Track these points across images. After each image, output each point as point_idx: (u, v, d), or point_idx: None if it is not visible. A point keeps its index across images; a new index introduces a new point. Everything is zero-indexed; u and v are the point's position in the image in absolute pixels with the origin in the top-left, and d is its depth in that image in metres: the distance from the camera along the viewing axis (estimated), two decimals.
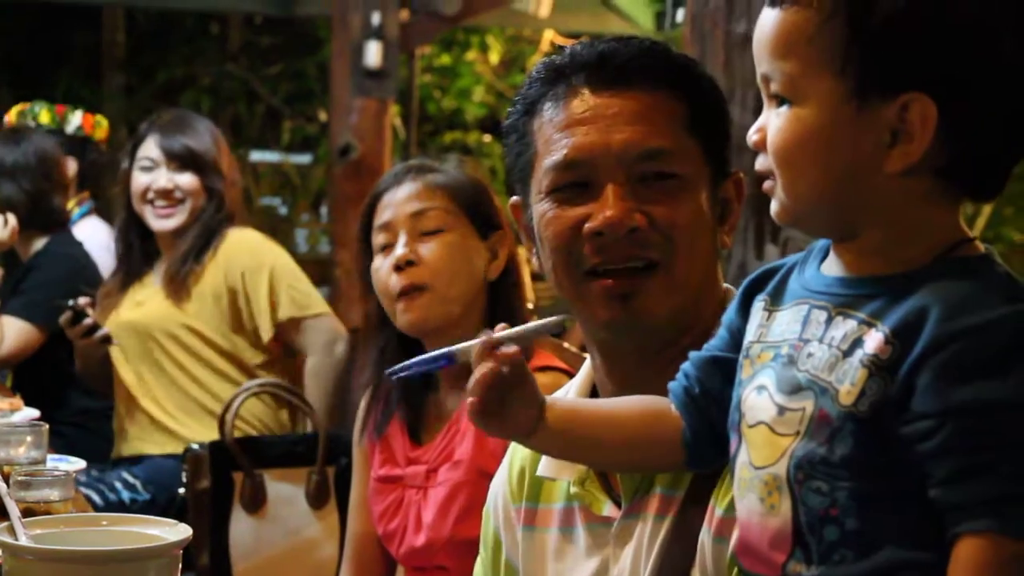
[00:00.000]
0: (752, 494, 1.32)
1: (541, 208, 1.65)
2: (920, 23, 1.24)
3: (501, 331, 1.49)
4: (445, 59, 11.56)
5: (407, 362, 1.56)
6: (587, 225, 1.60)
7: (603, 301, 1.62)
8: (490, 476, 2.29)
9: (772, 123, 1.31)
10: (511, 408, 1.45)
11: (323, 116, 10.27)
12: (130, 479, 3.81)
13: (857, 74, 1.26)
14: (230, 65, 11.36)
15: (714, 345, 1.48)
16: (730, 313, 1.46)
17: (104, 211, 5.04)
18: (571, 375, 2.34)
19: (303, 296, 3.85)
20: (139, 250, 3.98)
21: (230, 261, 3.81)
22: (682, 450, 1.47)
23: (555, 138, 1.63)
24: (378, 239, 2.50)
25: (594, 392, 1.73)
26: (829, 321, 1.29)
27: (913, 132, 1.25)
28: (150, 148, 3.90)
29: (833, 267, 1.33)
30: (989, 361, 1.19)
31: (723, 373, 1.43)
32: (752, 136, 1.34)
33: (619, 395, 1.64)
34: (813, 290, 1.32)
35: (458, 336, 2.42)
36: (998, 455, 1.17)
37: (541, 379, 2.31)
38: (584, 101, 1.63)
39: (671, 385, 1.49)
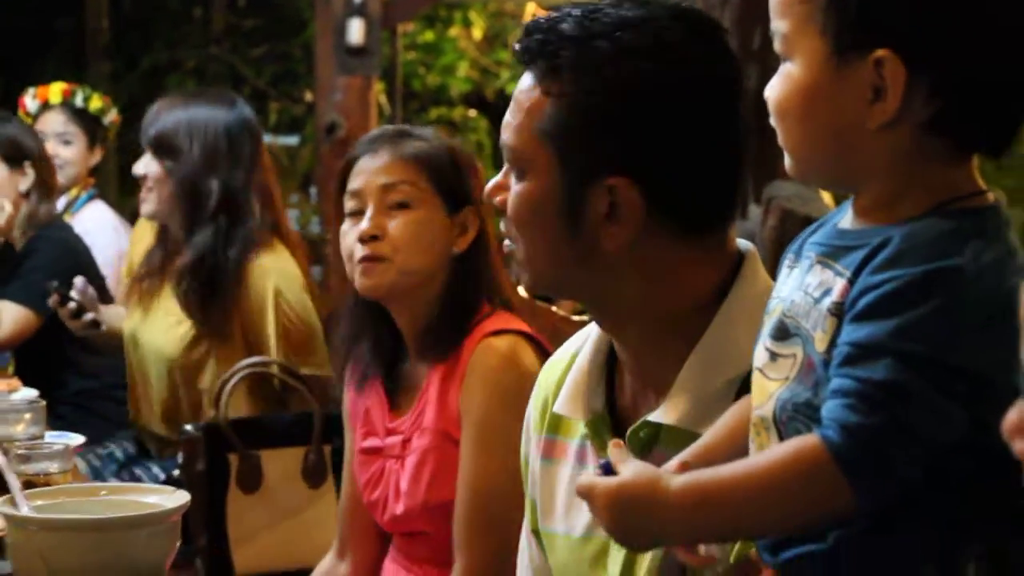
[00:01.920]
0: (751, 437, 1.37)
1: None
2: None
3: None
4: (428, 35, 11.51)
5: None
6: None
7: None
8: (455, 440, 2.31)
9: (774, 80, 1.36)
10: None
11: (309, 96, 10.23)
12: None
13: (835, 32, 1.29)
14: (214, 48, 11.30)
15: None
16: None
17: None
18: (529, 336, 2.37)
19: None
20: None
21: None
22: None
23: None
24: (348, 204, 2.52)
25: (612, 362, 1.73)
26: (810, 269, 1.33)
27: (886, 88, 1.28)
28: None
29: (845, 220, 1.36)
30: (884, 306, 1.23)
31: None
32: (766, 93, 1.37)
33: (634, 356, 1.68)
34: (818, 243, 1.35)
35: (417, 303, 2.48)
36: (854, 385, 1.22)
37: (497, 345, 2.36)
38: None
39: None
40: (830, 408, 1.23)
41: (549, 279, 1.66)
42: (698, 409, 1.50)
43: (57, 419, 3.34)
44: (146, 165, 3.74)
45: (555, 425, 1.79)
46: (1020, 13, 1.28)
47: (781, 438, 1.31)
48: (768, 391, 1.34)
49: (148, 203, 3.77)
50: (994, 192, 1.33)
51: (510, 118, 1.62)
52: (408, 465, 2.47)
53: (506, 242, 1.66)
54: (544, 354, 2.33)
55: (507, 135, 1.62)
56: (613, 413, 1.69)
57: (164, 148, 3.70)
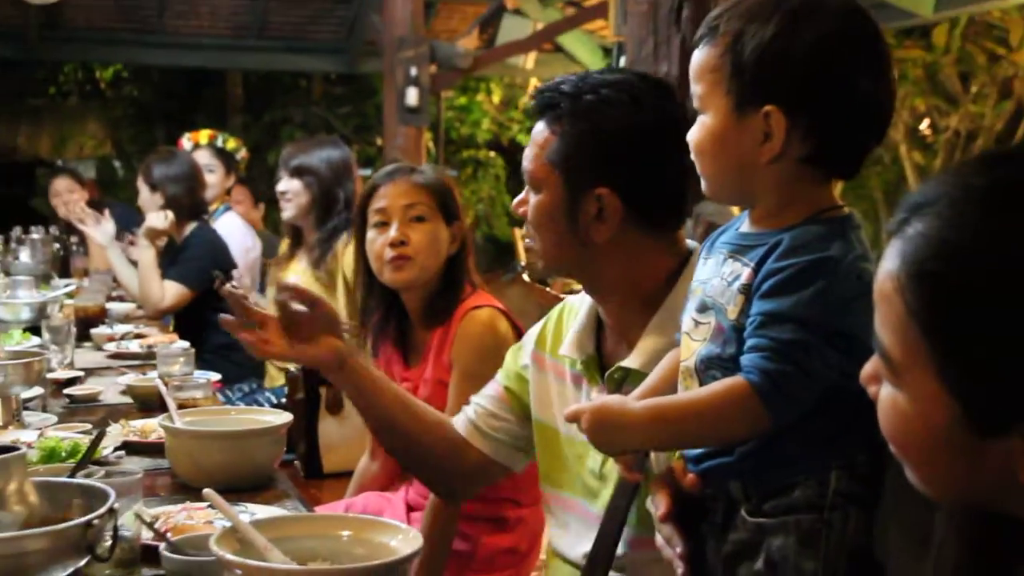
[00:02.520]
0: (680, 380, 1.34)
1: None
2: (773, 61, 1.25)
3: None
4: (462, 100, 11.50)
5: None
6: None
7: None
8: (446, 384, 2.26)
9: (693, 127, 1.33)
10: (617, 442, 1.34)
11: (379, 141, 10.23)
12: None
13: (736, 93, 1.27)
14: (314, 108, 11.31)
15: None
16: None
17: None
18: (501, 310, 2.36)
19: None
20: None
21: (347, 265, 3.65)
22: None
23: None
24: (374, 218, 2.45)
25: (599, 320, 1.69)
26: (724, 262, 1.31)
27: (773, 133, 1.26)
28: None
29: (744, 226, 1.34)
30: (784, 286, 1.22)
31: None
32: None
33: (612, 319, 1.66)
34: (726, 242, 1.33)
35: (423, 289, 2.44)
36: (768, 342, 1.22)
37: (479, 315, 2.35)
38: None
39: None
40: (751, 359, 1.22)
41: (557, 264, 1.66)
42: (655, 359, 1.48)
43: (203, 363, 3.32)
44: (287, 184, 3.76)
45: (546, 348, 1.78)
46: (868, 83, 1.26)
47: (700, 382, 1.29)
48: (692, 348, 1.31)
49: (288, 210, 3.79)
50: (848, 207, 1.32)
51: (528, 152, 1.62)
52: None
53: (527, 240, 1.66)
54: (512, 323, 2.36)
55: (526, 163, 1.63)
56: (600, 358, 1.68)
57: (304, 171, 3.75)
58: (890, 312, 0.86)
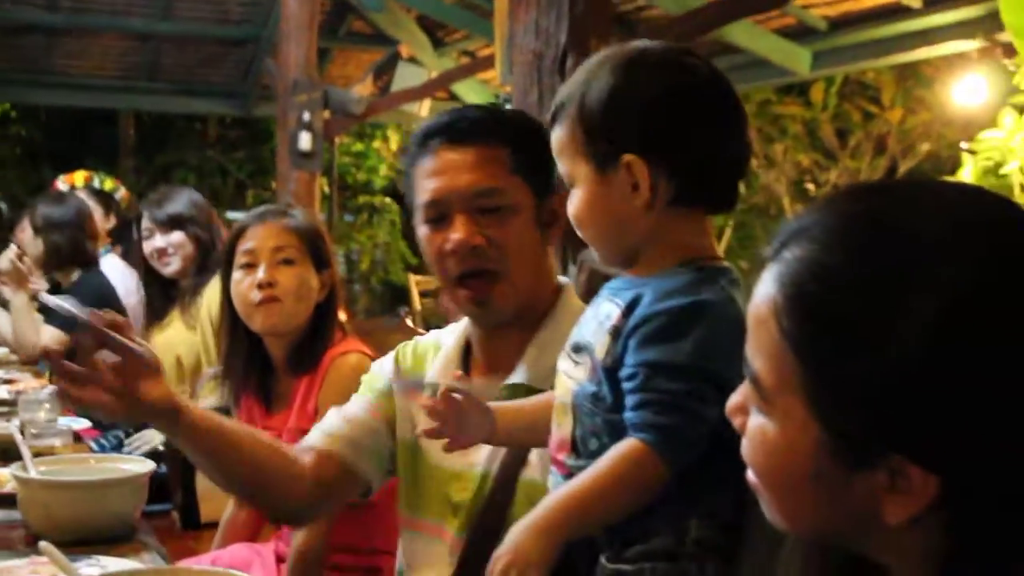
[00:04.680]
0: (553, 417, 1.33)
1: (420, 232, 1.62)
2: (616, 109, 1.26)
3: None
4: (359, 145, 11.47)
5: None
6: (445, 246, 1.57)
7: (466, 304, 1.61)
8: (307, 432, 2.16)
9: (569, 201, 1.33)
10: (469, 428, 1.40)
11: (274, 185, 10.13)
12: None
13: (593, 155, 1.28)
14: (209, 151, 11.16)
15: None
16: None
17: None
18: (371, 356, 2.27)
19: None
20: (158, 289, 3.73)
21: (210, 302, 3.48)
22: None
23: (423, 185, 1.60)
24: (242, 259, 2.37)
25: (467, 349, 1.68)
26: (601, 303, 1.30)
27: (638, 181, 1.26)
28: (145, 220, 3.65)
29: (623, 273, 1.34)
30: (663, 334, 1.21)
31: None
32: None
33: (486, 346, 1.65)
34: (609, 287, 1.32)
35: (290, 335, 2.37)
36: (657, 396, 1.20)
37: (348, 360, 2.29)
38: (439, 157, 1.59)
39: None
40: (639, 416, 1.20)
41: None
42: (541, 375, 1.49)
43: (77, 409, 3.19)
44: (165, 239, 3.58)
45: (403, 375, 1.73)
46: (714, 115, 1.28)
47: (575, 419, 1.28)
48: (567, 386, 1.30)
49: (173, 265, 3.60)
50: (727, 261, 1.31)
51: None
52: None
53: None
54: None
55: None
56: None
57: (181, 221, 3.58)
58: (765, 336, 0.85)
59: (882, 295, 0.79)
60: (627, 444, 1.20)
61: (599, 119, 1.27)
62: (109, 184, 5.17)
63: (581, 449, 1.28)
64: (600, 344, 1.25)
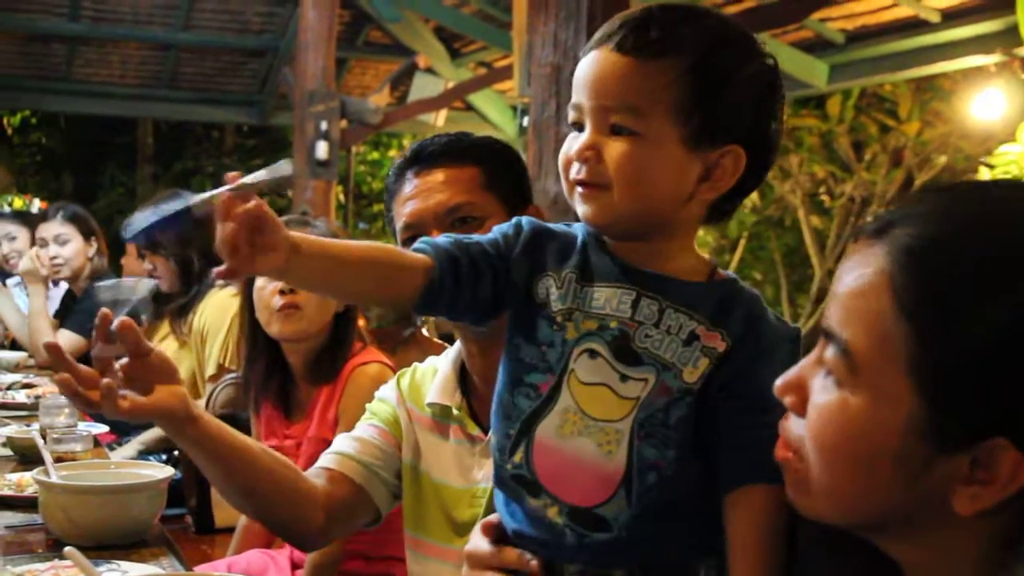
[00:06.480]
0: (585, 439, 1.13)
1: None
2: (740, 95, 1.13)
3: (235, 180, 1.18)
4: (375, 155, 11.51)
5: (147, 221, 1.22)
6: None
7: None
8: (329, 441, 2.17)
9: (613, 147, 1.11)
10: (262, 251, 1.09)
11: (290, 193, 10.16)
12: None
13: (696, 126, 1.11)
14: (226, 159, 11.21)
15: (488, 241, 1.22)
16: (514, 241, 1.21)
17: None
18: (392, 368, 2.31)
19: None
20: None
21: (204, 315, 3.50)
22: (419, 294, 1.17)
23: (400, 212, 1.63)
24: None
25: (463, 369, 1.66)
26: (662, 312, 1.14)
27: (726, 172, 1.14)
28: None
29: (625, 259, 1.17)
30: (763, 359, 1.11)
31: (486, 264, 1.20)
32: (586, 152, 1.13)
33: (479, 363, 1.61)
34: (624, 277, 1.16)
35: (309, 344, 2.39)
36: (771, 430, 1.00)
37: (368, 370, 2.30)
38: (411, 183, 1.63)
39: (436, 240, 1.22)
40: (762, 456, 1.01)
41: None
42: None
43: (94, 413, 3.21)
44: (146, 264, 3.61)
45: (406, 398, 1.72)
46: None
47: (631, 449, 1.11)
48: (624, 407, 1.13)
49: (163, 286, 3.59)
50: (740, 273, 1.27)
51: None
52: (300, 466, 2.36)
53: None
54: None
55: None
56: (471, 406, 1.65)
57: (156, 246, 3.57)
58: (868, 307, 0.83)
59: (1001, 270, 0.79)
60: (758, 490, 1.08)
61: (723, 95, 1.12)
62: (19, 203, 5.10)
63: (635, 485, 1.12)
64: (690, 366, 1.12)
